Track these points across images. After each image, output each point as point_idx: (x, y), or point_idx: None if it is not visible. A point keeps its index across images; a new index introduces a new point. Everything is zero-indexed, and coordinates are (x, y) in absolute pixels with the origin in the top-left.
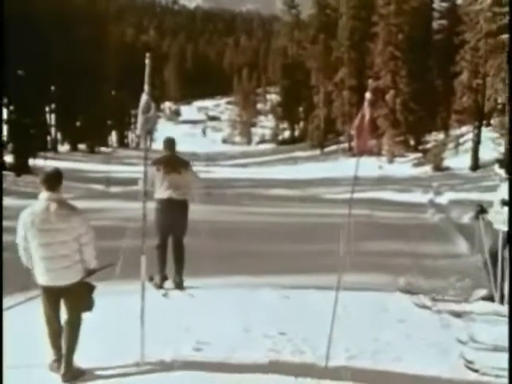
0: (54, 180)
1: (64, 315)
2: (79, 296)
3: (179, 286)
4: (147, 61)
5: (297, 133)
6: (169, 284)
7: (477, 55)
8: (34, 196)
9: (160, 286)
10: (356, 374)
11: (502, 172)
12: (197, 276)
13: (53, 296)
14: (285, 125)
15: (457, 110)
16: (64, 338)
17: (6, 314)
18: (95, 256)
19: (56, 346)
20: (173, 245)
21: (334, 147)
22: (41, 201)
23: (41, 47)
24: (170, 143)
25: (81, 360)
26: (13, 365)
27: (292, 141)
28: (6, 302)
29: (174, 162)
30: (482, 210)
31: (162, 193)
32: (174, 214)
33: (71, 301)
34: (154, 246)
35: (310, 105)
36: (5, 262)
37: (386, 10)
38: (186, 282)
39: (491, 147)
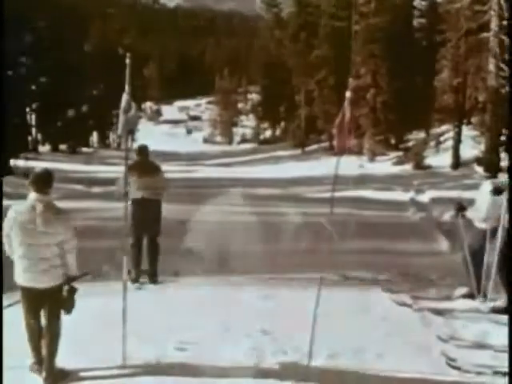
0: (43, 182)
1: (43, 319)
2: (58, 300)
3: (153, 280)
4: (127, 61)
5: (278, 132)
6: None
7: (457, 54)
8: (16, 197)
9: (136, 281)
10: (338, 373)
11: (480, 170)
12: (179, 275)
13: (31, 298)
14: (266, 124)
15: (438, 109)
16: (44, 341)
17: (5, 312)
18: (76, 263)
19: (36, 349)
20: (147, 242)
21: (315, 146)
22: (29, 201)
23: (22, 47)
24: (142, 150)
25: (64, 362)
26: (12, 365)
27: (273, 140)
28: (7, 300)
29: (146, 166)
30: (461, 207)
31: (135, 193)
32: (147, 213)
33: (50, 304)
34: (129, 244)
35: (291, 104)
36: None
37: (367, 9)
38: (169, 282)
39: (472, 145)
